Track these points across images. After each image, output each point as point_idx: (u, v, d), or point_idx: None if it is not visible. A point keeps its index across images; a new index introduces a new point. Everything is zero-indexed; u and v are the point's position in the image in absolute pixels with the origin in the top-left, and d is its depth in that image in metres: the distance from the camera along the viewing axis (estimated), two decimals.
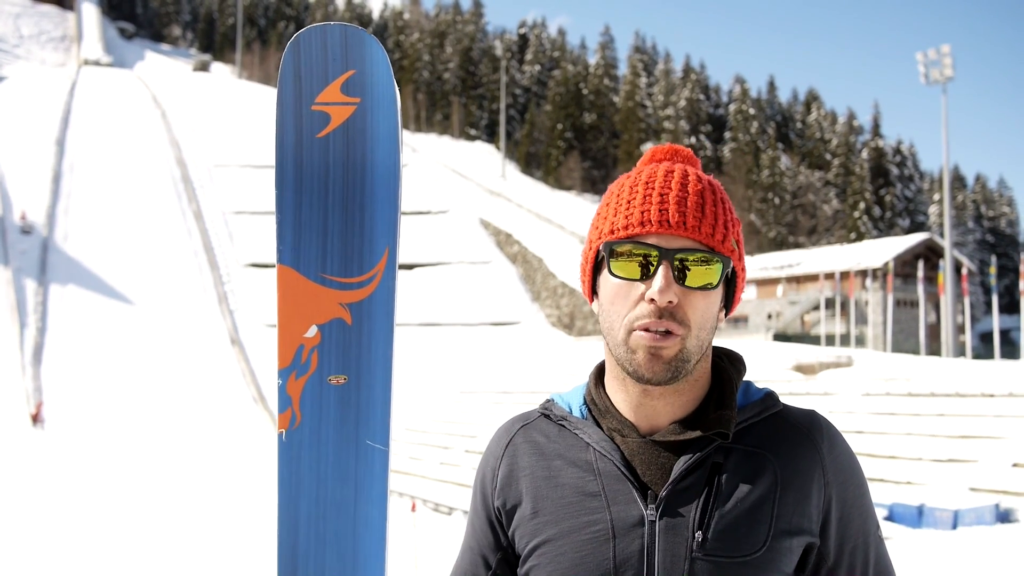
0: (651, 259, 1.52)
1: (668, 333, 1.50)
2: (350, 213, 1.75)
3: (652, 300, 1.50)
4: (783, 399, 1.68)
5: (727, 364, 1.66)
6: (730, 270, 1.58)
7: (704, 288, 1.52)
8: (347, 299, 1.76)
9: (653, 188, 1.56)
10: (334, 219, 1.75)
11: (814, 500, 1.55)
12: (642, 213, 1.54)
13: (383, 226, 1.76)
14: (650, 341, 1.50)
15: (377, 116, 1.74)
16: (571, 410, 1.68)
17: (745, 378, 1.67)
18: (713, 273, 1.53)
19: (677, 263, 1.51)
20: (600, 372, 1.69)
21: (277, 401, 1.77)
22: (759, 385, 1.68)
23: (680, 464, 1.53)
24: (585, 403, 1.67)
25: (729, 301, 1.63)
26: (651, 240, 1.53)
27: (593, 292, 1.65)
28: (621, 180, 1.62)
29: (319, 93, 1.74)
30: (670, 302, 1.50)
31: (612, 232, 1.57)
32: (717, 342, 1.66)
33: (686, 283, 1.51)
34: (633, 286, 1.53)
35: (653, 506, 1.51)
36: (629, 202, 1.57)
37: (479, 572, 1.69)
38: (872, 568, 1.61)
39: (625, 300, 1.54)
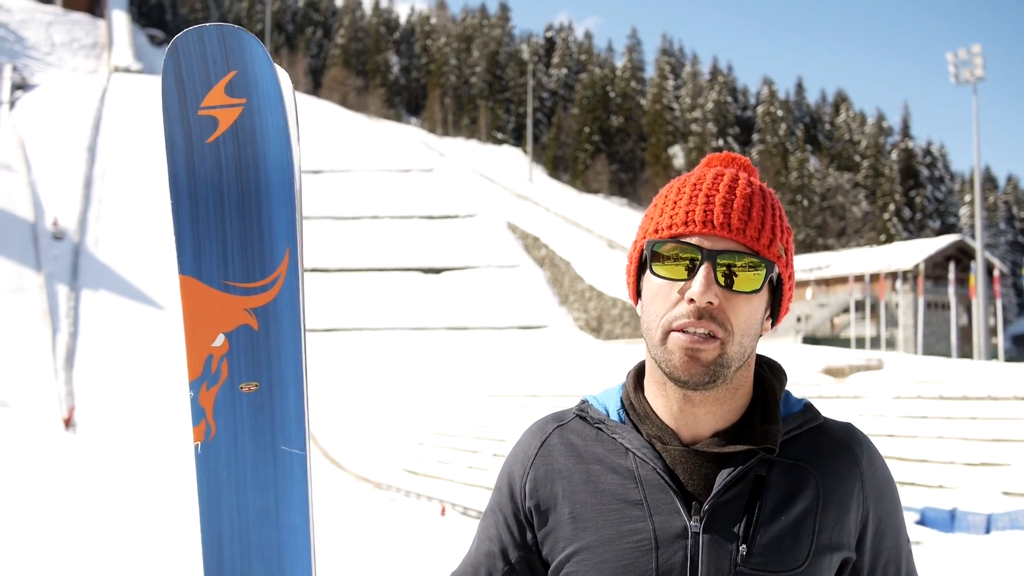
0: (693, 259, 1.50)
1: (709, 336, 1.48)
2: (247, 217, 1.71)
3: (692, 300, 1.48)
4: (814, 403, 1.67)
5: (768, 374, 1.64)
6: (775, 276, 1.55)
7: (747, 292, 1.50)
8: (252, 304, 1.72)
9: (700, 189, 1.55)
10: (232, 224, 1.71)
11: (852, 515, 1.54)
12: (687, 213, 1.53)
13: (282, 227, 1.71)
14: (688, 343, 1.48)
15: (265, 115, 1.69)
16: (608, 413, 1.65)
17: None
18: (757, 277, 1.51)
19: (720, 265, 1.49)
20: (639, 375, 1.66)
21: (191, 414, 1.74)
22: (795, 394, 1.67)
23: (723, 476, 1.52)
24: (623, 406, 1.65)
25: (776, 310, 1.60)
26: (694, 240, 1.51)
27: (638, 293, 1.63)
28: (671, 183, 1.61)
29: (204, 97, 1.69)
30: (710, 303, 1.48)
31: (656, 231, 1.56)
32: None
33: (728, 286, 1.49)
34: (674, 286, 1.51)
35: (697, 518, 1.50)
36: (675, 202, 1.56)
37: (495, 564, 1.68)
38: None
39: (665, 300, 1.52)
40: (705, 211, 1.52)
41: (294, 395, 1.73)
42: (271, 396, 1.73)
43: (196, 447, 1.73)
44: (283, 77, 1.71)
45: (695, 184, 1.56)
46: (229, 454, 1.73)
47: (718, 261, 1.49)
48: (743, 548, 1.48)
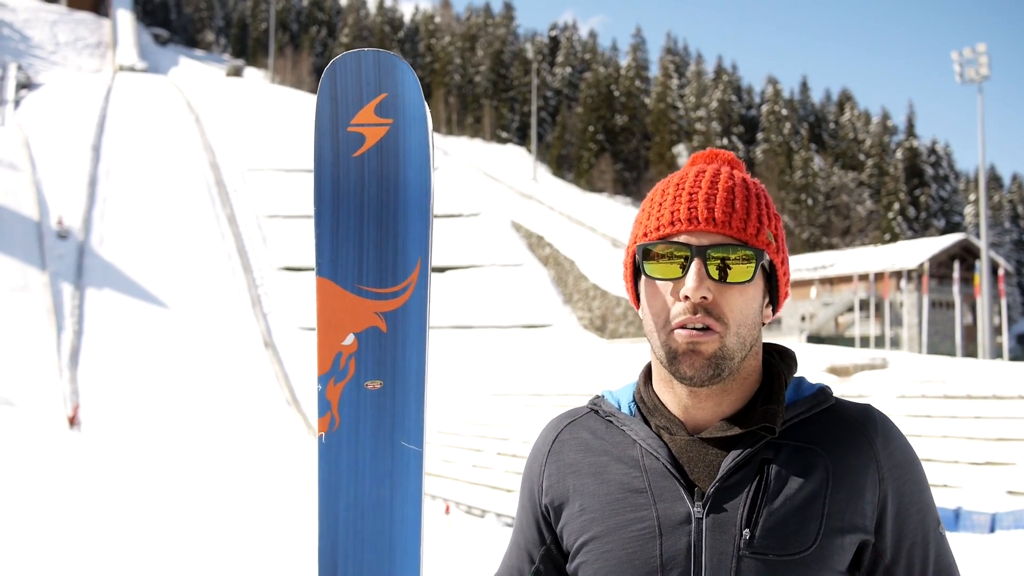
0: (683, 257, 1.53)
1: (707, 329, 1.51)
2: (384, 227, 1.84)
3: (686, 297, 1.51)
4: None
5: (777, 360, 1.67)
6: (766, 263, 1.57)
7: (740, 283, 1.53)
8: (382, 308, 1.84)
9: (683, 188, 1.58)
10: (369, 233, 1.84)
11: (868, 496, 1.54)
12: (671, 213, 1.56)
13: (416, 239, 1.84)
14: (688, 337, 1.51)
15: (409, 136, 1.82)
16: (620, 407, 1.69)
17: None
18: (748, 267, 1.53)
19: (711, 259, 1.52)
20: (649, 371, 1.69)
21: (317, 405, 1.84)
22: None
23: (728, 461, 1.54)
24: (634, 400, 1.68)
25: (774, 298, 1.63)
26: (682, 238, 1.54)
27: (637, 297, 1.66)
28: (657, 185, 1.65)
29: (354, 115, 1.82)
30: (704, 298, 1.51)
31: (645, 235, 1.59)
32: None
33: (721, 279, 1.52)
34: (668, 286, 1.55)
35: (700, 503, 1.52)
36: (660, 204, 1.59)
37: (524, 567, 1.72)
38: (932, 566, 1.59)
39: (662, 301, 1.56)
40: (689, 208, 1.55)
41: (415, 395, 1.84)
42: (393, 394, 1.84)
43: (320, 437, 1.85)
44: (425, 105, 1.84)
45: (678, 184, 1.59)
46: (351, 446, 1.84)
47: (708, 256, 1.52)
48: (746, 532, 1.49)
